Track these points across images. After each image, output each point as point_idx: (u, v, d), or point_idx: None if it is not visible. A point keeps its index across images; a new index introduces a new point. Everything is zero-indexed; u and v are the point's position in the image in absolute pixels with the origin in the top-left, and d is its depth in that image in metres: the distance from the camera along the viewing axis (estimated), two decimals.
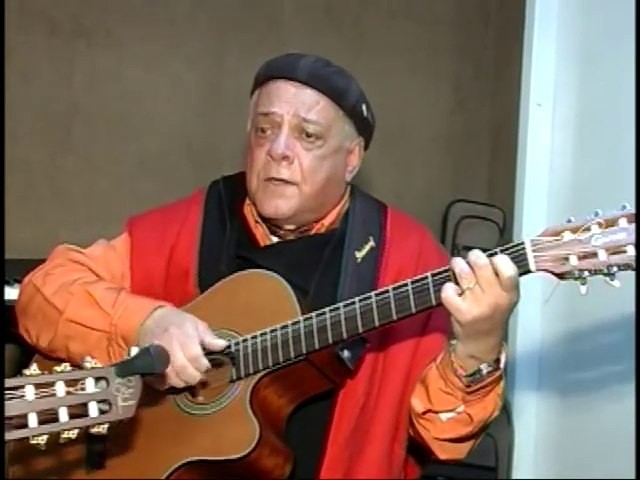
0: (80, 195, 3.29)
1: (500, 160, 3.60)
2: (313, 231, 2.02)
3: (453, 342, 1.74)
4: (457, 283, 1.64)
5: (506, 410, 3.28)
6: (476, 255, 1.62)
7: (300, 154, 1.93)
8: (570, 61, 3.21)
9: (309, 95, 1.94)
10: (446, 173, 3.68)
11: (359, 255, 1.95)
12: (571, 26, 3.22)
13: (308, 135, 1.93)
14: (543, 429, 3.26)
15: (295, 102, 1.93)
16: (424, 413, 1.86)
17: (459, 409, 1.81)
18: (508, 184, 3.40)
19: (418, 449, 1.99)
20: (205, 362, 1.77)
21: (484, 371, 1.73)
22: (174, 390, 1.82)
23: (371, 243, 1.97)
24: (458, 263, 1.63)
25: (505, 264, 1.60)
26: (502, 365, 1.75)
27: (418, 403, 1.87)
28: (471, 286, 1.62)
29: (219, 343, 1.79)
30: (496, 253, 1.63)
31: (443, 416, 1.83)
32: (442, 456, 1.90)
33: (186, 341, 1.76)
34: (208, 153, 3.39)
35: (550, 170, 3.27)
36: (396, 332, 1.91)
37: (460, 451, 1.91)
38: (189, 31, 3.39)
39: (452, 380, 1.77)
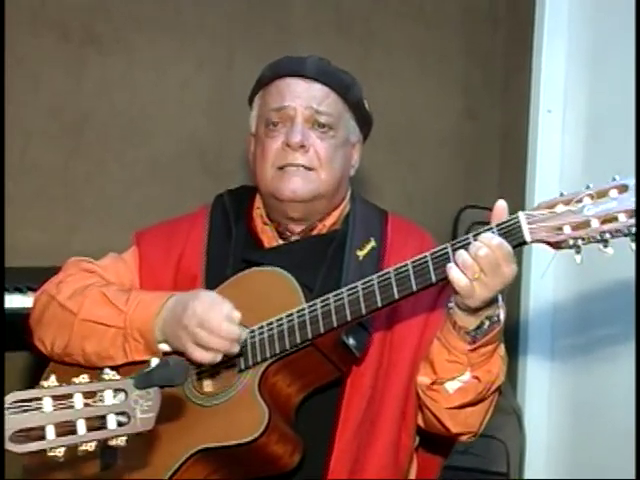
0: (92, 200, 3.28)
1: (510, 166, 3.59)
2: (315, 232, 2.07)
3: (451, 305, 1.79)
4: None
5: (517, 415, 3.28)
6: (476, 247, 1.67)
7: (315, 143, 2.01)
8: (580, 66, 3.22)
9: (319, 89, 2.03)
10: (456, 179, 3.67)
11: (361, 254, 2.00)
12: (581, 31, 3.22)
13: (321, 125, 2.01)
14: (555, 433, 3.26)
15: (306, 96, 2.01)
16: (431, 384, 1.89)
17: (465, 377, 1.84)
18: (518, 190, 3.40)
19: (436, 440, 2.02)
20: (238, 314, 1.81)
21: (486, 324, 1.77)
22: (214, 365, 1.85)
23: (372, 243, 2.03)
24: (461, 255, 1.68)
25: (501, 243, 1.66)
26: (502, 318, 1.79)
27: (424, 378, 1.90)
28: (477, 276, 1.67)
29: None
30: (491, 229, 1.69)
31: (450, 387, 1.86)
32: (454, 429, 1.92)
33: (213, 303, 1.81)
34: (219, 157, 3.38)
35: (560, 176, 3.28)
36: (401, 325, 1.97)
37: (471, 422, 1.93)
38: (199, 36, 3.39)
39: (455, 345, 1.81)
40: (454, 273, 1.68)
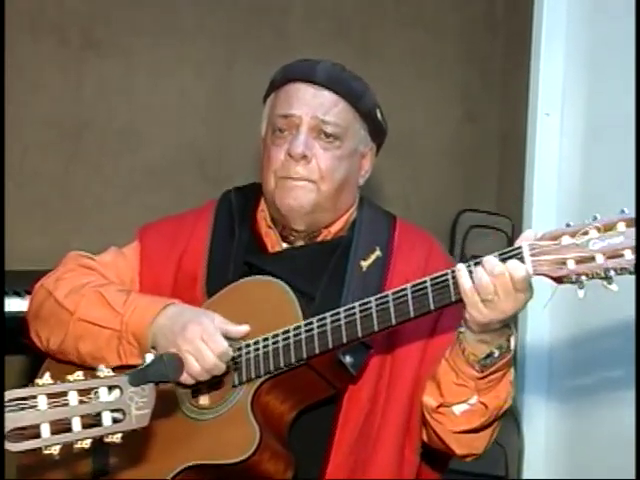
0: (90, 206, 3.29)
1: (508, 169, 3.60)
2: (320, 238, 2.04)
3: (462, 329, 1.75)
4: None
5: (515, 419, 3.28)
6: (491, 264, 1.62)
7: (318, 154, 1.96)
8: (578, 70, 3.22)
9: (328, 97, 1.97)
10: (455, 182, 3.68)
11: (364, 264, 1.96)
12: (579, 35, 3.23)
13: (326, 135, 1.96)
14: (553, 437, 3.26)
15: (314, 104, 1.96)
16: (438, 407, 1.85)
17: (472, 400, 1.81)
18: (517, 193, 3.40)
19: (435, 455, 1.99)
20: (230, 352, 1.79)
21: (496, 354, 1.74)
22: (193, 385, 1.83)
23: (377, 252, 1.99)
24: (477, 272, 1.63)
25: (518, 267, 1.61)
26: (512, 347, 1.75)
27: (430, 399, 1.86)
28: (489, 298, 1.63)
29: (241, 329, 1.82)
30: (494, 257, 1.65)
31: (457, 410, 1.83)
32: (459, 451, 1.89)
33: (211, 337, 1.77)
34: (217, 163, 3.39)
35: (558, 179, 3.28)
36: (403, 338, 1.93)
37: (477, 445, 1.90)
38: (198, 41, 3.40)
39: (464, 370, 1.77)
40: (464, 281, 1.65)
